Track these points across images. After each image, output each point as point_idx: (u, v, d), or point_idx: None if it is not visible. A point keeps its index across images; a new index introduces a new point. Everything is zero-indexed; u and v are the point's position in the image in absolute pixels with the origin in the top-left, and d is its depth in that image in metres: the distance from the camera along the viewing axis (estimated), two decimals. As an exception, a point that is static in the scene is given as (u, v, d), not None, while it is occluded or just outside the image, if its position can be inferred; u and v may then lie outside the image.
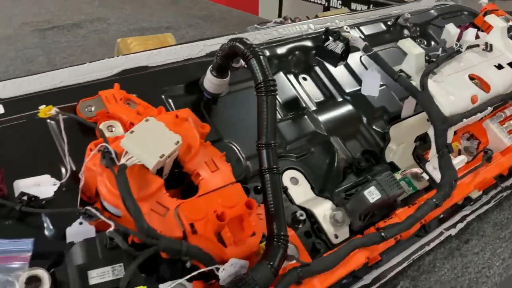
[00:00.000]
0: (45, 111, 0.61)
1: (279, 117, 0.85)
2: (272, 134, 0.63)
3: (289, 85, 0.92)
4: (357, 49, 0.90)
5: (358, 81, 0.98)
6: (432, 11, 1.26)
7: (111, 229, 0.50)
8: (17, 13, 2.32)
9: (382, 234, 0.66)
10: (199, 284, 0.56)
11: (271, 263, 0.56)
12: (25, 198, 0.58)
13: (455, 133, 0.91)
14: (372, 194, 0.68)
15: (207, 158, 0.63)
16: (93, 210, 0.55)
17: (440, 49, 0.88)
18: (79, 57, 1.80)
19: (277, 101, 0.86)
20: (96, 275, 0.49)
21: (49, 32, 2.09)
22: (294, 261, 0.61)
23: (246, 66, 0.66)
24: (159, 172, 0.59)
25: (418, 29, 1.18)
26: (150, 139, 0.56)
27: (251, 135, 0.77)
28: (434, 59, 0.87)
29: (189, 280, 0.54)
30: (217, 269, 0.54)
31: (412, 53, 0.83)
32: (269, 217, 0.60)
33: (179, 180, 0.63)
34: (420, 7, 1.27)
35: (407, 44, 0.84)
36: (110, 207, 0.56)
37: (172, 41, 1.12)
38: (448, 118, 0.78)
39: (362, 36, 1.05)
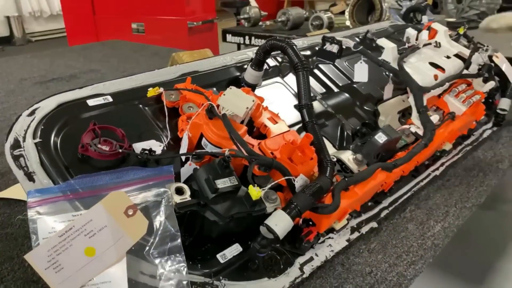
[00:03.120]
0: (154, 90, 0.85)
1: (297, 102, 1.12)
2: (309, 97, 0.90)
3: (299, 82, 1.20)
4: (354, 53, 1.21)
5: (346, 77, 1.29)
6: (389, 28, 1.62)
7: (227, 151, 0.74)
8: (11, 72, 2.52)
9: (393, 163, 0.93)
10: (280, 193, 0.79)
11: (327, 175, 0.81)
12: (147, 152, 0.80)
13: (425, 106, 1.23)
14: (381, 137, 0.96)
15: (268, 116, 0.89)
16: (203, 151, 0.79)
17: (406, 44, 1.21)
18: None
19: (292, 91, 1.15)
20: (220, 183, 0.72)
21: (50, 84, 2.29)
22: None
23: (284, 54, 0.94)
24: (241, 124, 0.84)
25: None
26: (236, 99, 0.81)
27: (281, 113, 1.04)
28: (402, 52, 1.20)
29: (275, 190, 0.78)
30: (293, 180, 0.78)
31: (389, 47, 1.14)
32: (317, 151, 0.85)
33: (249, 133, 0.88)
34: (380, 27, 1.63)
35: (384, 41, 1.16)
36: (212, 148, 0.80)
37: (211, 54, 1.39)
38: (422, 87, 1.08)
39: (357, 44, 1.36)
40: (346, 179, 0.83)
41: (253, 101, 0.83)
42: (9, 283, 0.81)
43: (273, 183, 0.76)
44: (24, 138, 0.77)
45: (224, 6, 4.88)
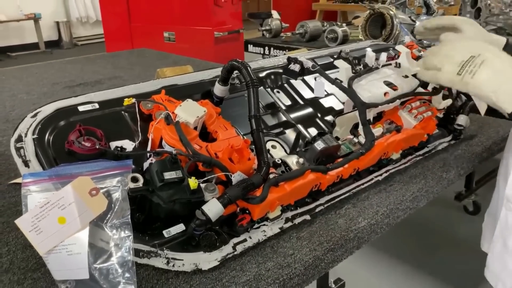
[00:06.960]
0: (129, 101, 1.07)
1: (263, 111, 1.32)
2: (257, 109, 1.09)
3: (268, 95, 1.40)
4: (312, 72, 1.39)
5: (313, 91, 1.47)
6: (368, 48, 1.78)
7: (174, 151, 0.94)
8: (47, 77, 2.85)
9: (326, 167, 1.11)
10: (219, 186, 0.99)
11: (261, 174, 1.00)
12: (119, 149, 1.02)
13: (379, 119, 1.39)
14: (319, 144, 1.14)
15: (220, 124, 1.09)
16: (159, 150, 1.00)
17: (361, 65, 1.38)
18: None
19: (260, 103, 1.35)
20: (167, 175, 0.93)
21: (77, 88, 2.58)
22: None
23: (240, 73, 1.13)
24: (195, 129, 1.04)
25: (356, 61, 1.68)
26: (190, 109, 1.02)
27: (243, 121, 1.23)
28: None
29: (216, 183, 0.98)
30: (230, 176, 0.98)
31: (343, 67, 1.32)
32: (257, 153, 1.05)
33: (204, 137, 1.08)
34: (360, 46, 1.80)
35: (340, 63, 1.34)
36: (169, 148, 1.00)
37: (192, 70, 1.61)
38: (366, 103, 1.25)
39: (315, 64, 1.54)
40: (277, 176, 1.02)
41: (204, 111, 1.03)
42: (12, 246, 1.04)
43: (209, 177, 0.96)
44: (25, 134, 1.01)
45: (250, 17, 5.10)
